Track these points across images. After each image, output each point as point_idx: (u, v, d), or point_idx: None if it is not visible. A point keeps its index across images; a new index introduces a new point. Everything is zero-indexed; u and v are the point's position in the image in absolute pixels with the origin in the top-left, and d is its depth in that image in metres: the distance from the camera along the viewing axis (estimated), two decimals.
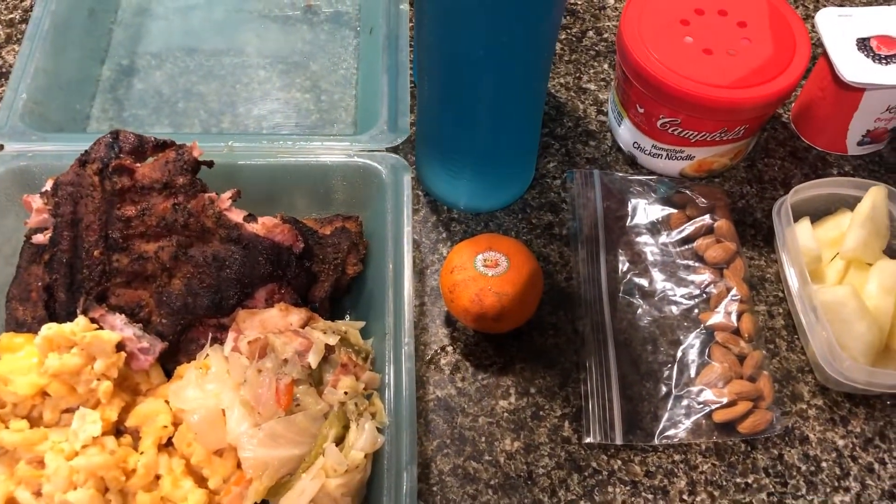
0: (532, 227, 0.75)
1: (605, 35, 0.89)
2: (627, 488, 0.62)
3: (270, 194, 0.71)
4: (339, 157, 0.69)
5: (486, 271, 0.64)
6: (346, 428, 0.56)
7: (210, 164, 0.63)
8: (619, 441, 0.63)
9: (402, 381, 0.57)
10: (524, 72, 0.63)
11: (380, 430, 0.56)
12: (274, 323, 0.59)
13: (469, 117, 0.67)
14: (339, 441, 0.56)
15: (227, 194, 0.63)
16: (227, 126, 0.80)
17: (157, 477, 0.57)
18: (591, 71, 0.86)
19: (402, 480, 0.54)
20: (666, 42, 0.71)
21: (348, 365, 0.57)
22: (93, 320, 0.58)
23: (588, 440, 0.63)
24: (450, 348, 0.68)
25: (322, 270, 0.65)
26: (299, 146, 0.70)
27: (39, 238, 0.63)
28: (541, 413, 0.65)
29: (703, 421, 0.64)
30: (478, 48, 0.60)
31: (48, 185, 0.64)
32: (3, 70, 0.83)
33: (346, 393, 0.56)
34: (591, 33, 0.89)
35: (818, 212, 0.73)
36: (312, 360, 0.57)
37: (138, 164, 0.61)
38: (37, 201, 0.63)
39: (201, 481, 0.58)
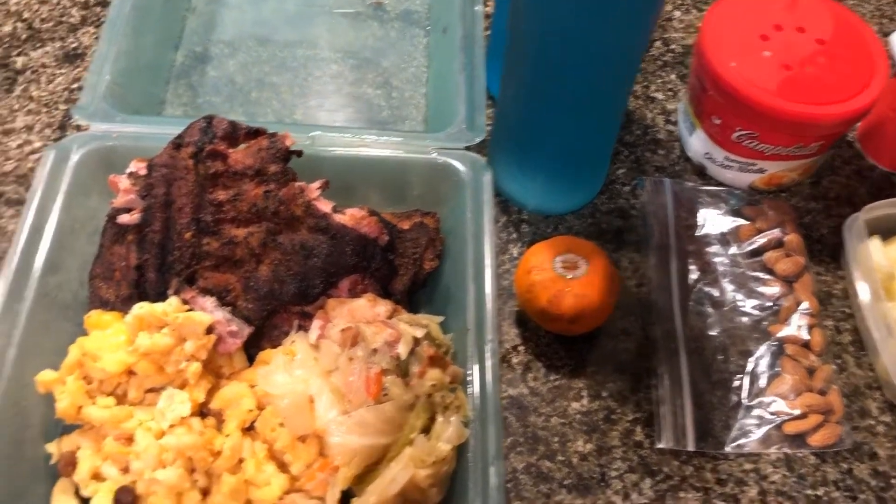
0: (601, 231, 0.75)
1: (672, 46, 0.90)
2: (699, 494, 0.62)
3: (347, 187, 0.71)
4: (418, 153, 0.70)
5: (564, 273, 0.64)
6: (432, 420, 0.57)
7: (299, 153, 0.64)
8: (691, 447, 0.64)
9: (486, 376, 0.58)
10: (614, 76, 0.64)
11: (464, 424, 0.56)
12: (362, 313, 0.59)
13: (553, 118, 0.67)
14: (425, 433, 0.56)
15: (316, 184, 0.63)
16: (300, 118, 0.81)
17: (240, 460, 0.57)
18: (659, 81, 0.87)
19: (488, 475, 0.54)
20: (746, 55, 0.72)
21: (436, 357, 0.58)
22: (184, 301, 0.59)
23: (660, 445, 0.64)
24: (521, 348, 0.68)
25: (401, 264, 0.66)
26: (379, 140, 0.70)
27: (125, 218, 0.63)
28: (612, 416, 0.65)
29: (774, 432, 0.65)
30: (573, 50, 0.60)
31: (133, 167, 0.65)
32: (79, 51, 0.84)
33: (433, 385, 0.57)
34: (658, 44, 0.90)
35: (887, 231, 0.74)
36: (402, 350, 0.57)
37: (231, 150, 0.62)
38: (123, 182, 0.63)
39: (282, 466, 0.58)
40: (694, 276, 0.72)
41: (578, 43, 0.60)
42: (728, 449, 0.64)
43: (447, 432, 0.56)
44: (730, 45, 0.72)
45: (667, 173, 0.80)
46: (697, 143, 0.78)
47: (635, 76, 0.68)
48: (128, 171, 0.64)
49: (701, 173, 0.80)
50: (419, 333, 0.59)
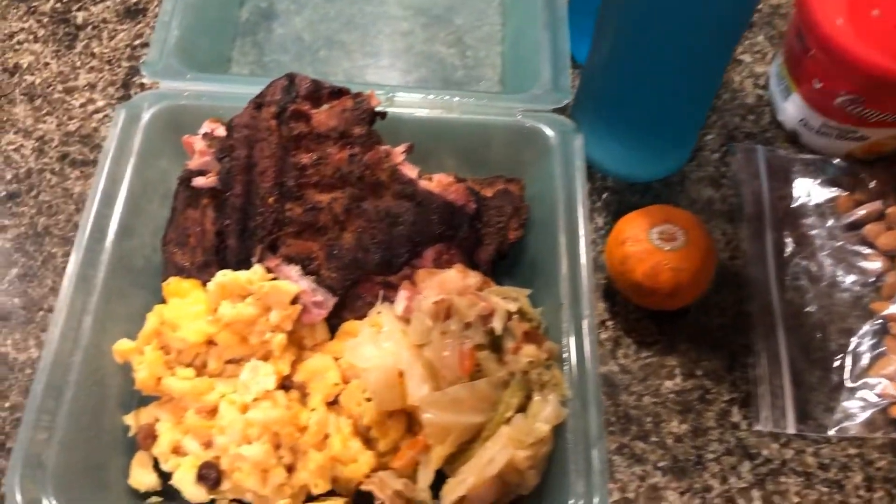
0: (691, 201, 0.71)
1: (760, 7, 0.85)
2: (801, 479, 0.59)
3: (423, 151, 0.67)
4: (502, 116, 0.66)
5: (662, 245, 0.61)
6: (528, 398, 0.54)
7: (383, 115, 0.61)
8: (791, 430, 0.61)
9: (584, 353, 0.55)
10: (719, 38, 0.60)
11: (562, 404, 0.54)
12: (453, 284, 0.56)
13: (648, 82, 0.63)
14: (521, 412, 0.53)
15: (401, 148, 0.60)
16: (372, 78, 0.77)
17: (326, 436, 0.55)
18: (746, 42, 0.82)
19: (591, 457, 0.51)
20: (854, 15, 0.67)
21: (531, 333, 0.55)
22: (268, 270, 0.56)
23: (758, 427, 0.61)
24: (610, 323, 0.65)
25: (485, 234, 0.63)
26: (461, 102, 0.66)
27: (201, 181, 0.60)
28: (708, 396, 0.62)
29: (879, 416, 0.61)
30: (676, 9, 0.56)
31: (207, 127, 0.62)
32: (140, 6, 0.81)
33: (529, 361, 0.54)
34: None
35: None
36: (497, 325, 0.54)
37: (314, 111, 0.58)
38: (199, 143, 0.61)
39: (368, 443, 0.56)
40: (790, 249, 0.69)
41: (681, 7, 0.56)
42: (831, 432, 0.61)
43: (545, 411, 0.53)
44: (836, 1, 0.67)
45: (756, 140, 0.75)
46: (792, 109, 0.74)
47: (739, 38, 0.63)
48: (202, 131, 0.61)
49: (793, 140, 0.75)
50: (513, 307, 0.56)
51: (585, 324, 0.55)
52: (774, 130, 0.76)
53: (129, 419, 0.56)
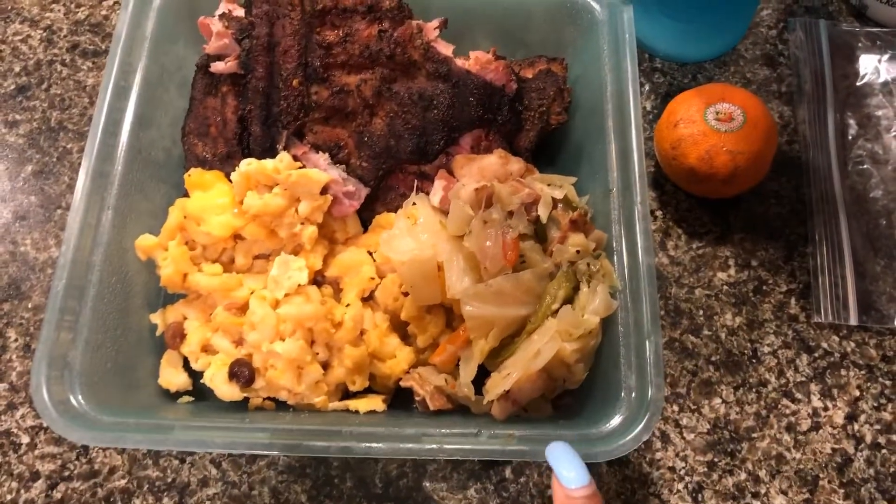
0: (747, 82, 0.66)
1: None
2: (862, 373, 0.56)
3: (456, 31, 0.62)
4: None
5: (718, 126, 0.56)
6: (575, 290, 0.50)
7: None
8: (853, 322, 0.57)
9: (636, 242, 0.51)
10: None
11: (611, 295, 0.50)
12: (493, 171, 0.52)
13: None
14: (568, 303, 0.50)
15: (434, 23, 0.55)
16: None
17: (362, 332, 0.52)
18: None
19: (644, 350, 0.48)
20: None
21: (578, 221, 0.51)
22: (294, 158, 0.52)
23: (817, 319, 0.57)
24: (659, 213, 0.61)
25: (527, 118, 0.58)
26: None
27: (220, 66, 0.56)
28: (764, 288, 0.58)
29: None
30: None
31: (224, 7, 0.57)
32: None
33: (577, 251, 0.50)
34: None
35: None
36: (542, 213, 0.50)
37: None
38: (216, 24, 0.56)
39: (405, 339, 0.53)
40: (853, 131, 0.64)
41: None
42: None
43: (594, 303, 0.49)
44: None
45: (819, 15, 0.69)
46: None
47: None
48: (218, 12, 0.57)
49: (859, 14, 0.69)
50: (559, 195, 0.52)
51: (638, 211, 0.51)
52: (838, 3, 0.70)
53: (156, 318, 0.54)
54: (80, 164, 0.53)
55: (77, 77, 0.65)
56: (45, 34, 0.67)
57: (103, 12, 0.68)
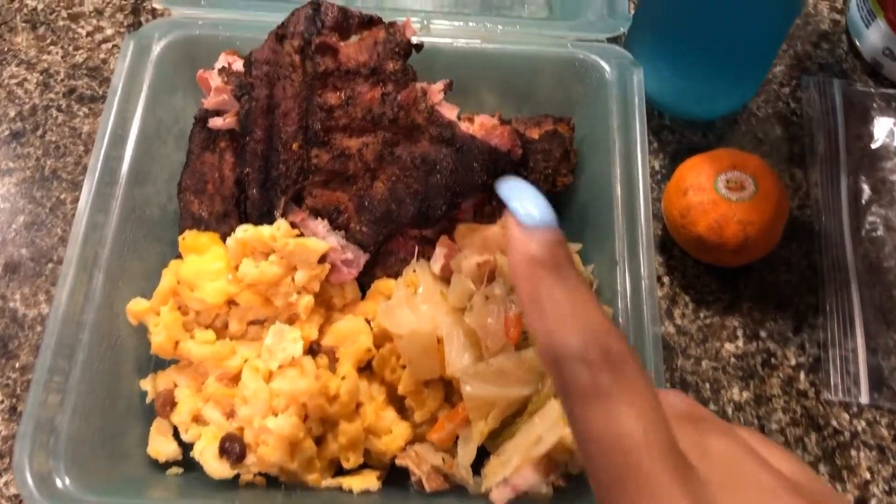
0: (758, 141, 0.64)
1: None
2: (873, 454, 0.54)
3: (462, 85, 0.61)
4: (550, 46, 0.59)
5: (729, 195, 0.55)
6: None
7: (419, 47, 0.54)
8: (864, 400, 0.55)
9: (642, 319, 0.49)
10: None
11: None
12: (496, 242, 0.51)
13: (718, 5, 0.56)
14: None
15: (439, 86, 0.53)
16: (404, 2, 0.70)
17: (358, 405, 0.51)
18: None
19: None
20: None
21: None
22: (292, 224, 0.51)
23: (827, 396, 0.56)
24: (665, 279, 0.59)
25: (532, 181, 0.57)
26: (504, 31, 0.60)
27: (218, 122, 0.54)
28: (773, 361, 0.57)
29: None
30: None
31: (224, 61, 0.56)
32: None
33: None
34: None
35: None
36: None
37: (342, 43, 0.52)
38: (215, 79, 0.54)
39: (402, 413, 0.52)
40: (867, 195, 0.62)
41: None
42: None
43: None
44: None
45: (832, 72, 0.68)
46: (875, 36, 0.66)
47: None
48: (218, 65, 0.55)
49: (874, 73, 0.68)
50: None
51: (645, 287, 0.50)
52: (852, 61, 0.68)
53: (147, 384, 0.52)
54: (73, 215, 0.52)
55: (73, 123, 0.64)
56: (41, 77, 0.65)
57: (101, 55, 0.66)
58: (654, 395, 0.26)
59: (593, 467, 0.26)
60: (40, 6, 0.68)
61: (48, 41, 0.67)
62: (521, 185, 0.32)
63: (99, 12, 0.68)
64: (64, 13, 0.68)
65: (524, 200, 0.30)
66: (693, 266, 0.59)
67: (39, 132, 0.63)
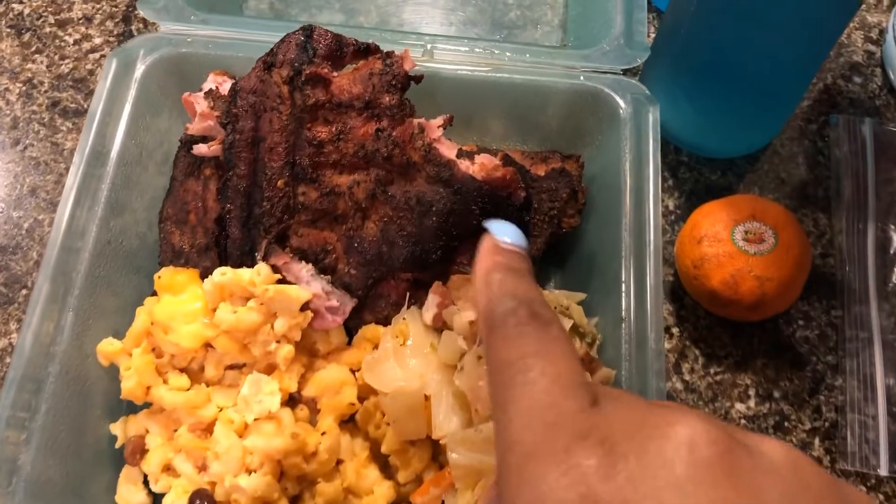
0: (780, 183, 0.60)
1: None
2: None
3: (466, 114, 0.58)
4: (561, 77, 0.55)
5: (747, 248, 0.51)
6: None
7: (419, 79, 0.50)
8: (883, 471, 0.52)
9: (648, 383, 0.46)
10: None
11: None
12: None
13: (748, 35, 0.52)
14: None
15: (438, 121, 0.50)
16: (410, 16, 0.66)
17: (338, 462, 0.48)
18: None
19: None
20: None
21: (584, 360, 0.46)
22: (274, 269, 0.47)
23: (843, 465, 0.52)
24: (675, 330, 0.56)
25: (535, 222, 0.53)
26: (512, 58, 0.56)
27: (202, 149, 0.51)
28: (786, 424, 0.53)
29: None
30: None
31: (212, 82, 0.52)
32: None
33: None
34: None
35: None
36: None
37: (335, 74, 0.48)
38: (201, 104, 0.51)
39: (386, 471, 0.48)
40: (895, 246, 0.58)
41: None
42: None
43: None
44: None
45: (863, 108, 0.63)
46: None
47: None
48: (206, 87, 0.52)
49: None
50: (565, 324, 0.47)
51: (651, 351, 0.46)
52: (886, 97, 0.64)
53: (117, 428, 0.49)
54: (48, 237, 0.49)
55: (55, 138, 0.60)
56: (24, 88, 0.62)
57: (88, 66, 0.63)
58: (573, 354, 0.27)
59: (495, 394, 0.26)
60: (27, 10, 0.65)
61: (33, 48, 0.63)
62: (506, 224, 0.34)
63: (88, 19, 0.65)
64: (51, 19, 0.65)
65: (503, 225, 0.34)
66: (705, 317, 0.56)
67: (20, 147, 0.60)
